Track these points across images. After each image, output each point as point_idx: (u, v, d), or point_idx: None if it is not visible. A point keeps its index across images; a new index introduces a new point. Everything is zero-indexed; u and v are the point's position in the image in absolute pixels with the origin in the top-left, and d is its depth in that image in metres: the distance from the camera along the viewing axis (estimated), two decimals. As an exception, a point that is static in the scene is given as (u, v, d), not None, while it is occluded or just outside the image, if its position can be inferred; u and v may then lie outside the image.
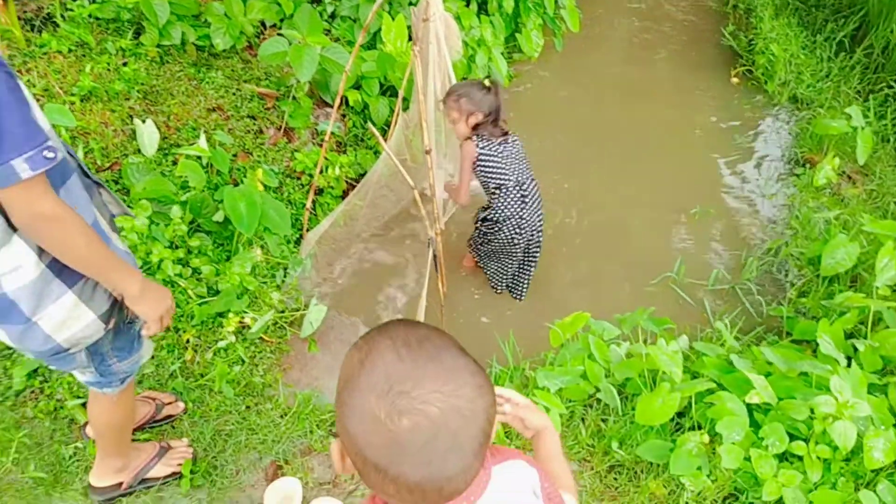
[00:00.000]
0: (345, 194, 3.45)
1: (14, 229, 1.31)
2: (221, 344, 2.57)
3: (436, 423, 0.76)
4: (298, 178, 3.40)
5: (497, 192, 2.89)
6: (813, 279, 3.26)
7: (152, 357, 2.49)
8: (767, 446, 2.12)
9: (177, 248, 2.65)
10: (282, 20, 3.76)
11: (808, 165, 4.08)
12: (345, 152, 3.67)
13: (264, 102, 3.54)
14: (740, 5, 5.57)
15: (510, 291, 3.31)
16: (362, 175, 3.33)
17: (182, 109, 3.22)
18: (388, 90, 3.83)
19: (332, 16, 4.03)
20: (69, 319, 1.45)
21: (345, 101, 3.64)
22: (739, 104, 4.70)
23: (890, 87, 4.40)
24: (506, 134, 2.87)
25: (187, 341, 2.56)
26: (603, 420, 2.48)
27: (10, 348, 2.35)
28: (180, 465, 2.15)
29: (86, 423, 2.23)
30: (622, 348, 2.58)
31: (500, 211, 2.92)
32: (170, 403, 2.35)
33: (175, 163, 2.94)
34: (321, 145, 3.16)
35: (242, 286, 2.68)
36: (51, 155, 1.23)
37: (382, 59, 3.58)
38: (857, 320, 2.67)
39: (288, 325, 2.78)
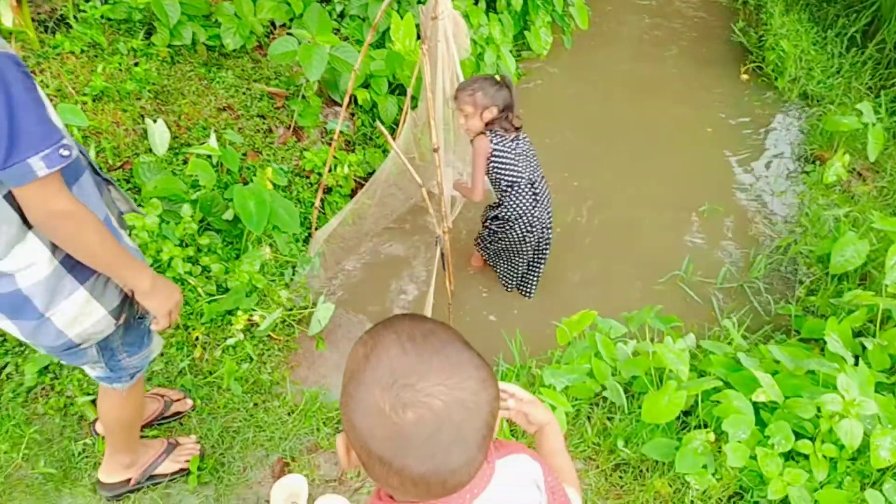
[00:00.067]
0: (353, 193, 3.47)
1: (29, 227, 1.34)
2: (230, 341, 2.59)
3: (440, 415, 0.77)
4: (307, 177, 3.42)
5: (509, 190, 2.89)
6: (822, 277, 3.25)
7: (161, 354, 2.52)
8: (773, 445, 2.12)
9: (187, 246, 2.68)
10: (291, 20, 3.78)
11: (818, 162, 4.05)
12: (353, 151, 3.68)
13: (274, 102, 3.57)
14: (750, 1, 5.53)
15: (519, 289, 3.31)
16: (371, 174, 3.34)
17: (193, 109, 3.25)
18: (397, 89, 3.84)
19: (342, 15, 4.05)
20: (81, 315, 1.48)
21: (354, 99, 3.66)
22: (749, 101, 4.67)
23: (902, 83, 4.36)
24: (518, 129, 2.86)
25: (196, 339, 2.59)
26: (609, 418, 2.48)
27: (22, 345, 2.39)
28: (188, 461, 2.18)
29: (95, 420, 2.27)
30: (629, 346, 2.58)
31: (511, 210, 2.92)
32: (178, 400, 2.37)
33: (185, 162, 2.97)
34: (330, 144, 3.18)
35: (251, 284, 2.70)
36: (66, 153, 1.25)
37: (391, 57, 3.59)
38: (865, 319, 2.65)
39: (296, 322, 2.80)
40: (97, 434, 2.24)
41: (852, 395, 2.07)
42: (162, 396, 2.34)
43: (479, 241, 3.26)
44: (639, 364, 2.46)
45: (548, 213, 3.00)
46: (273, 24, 3.88)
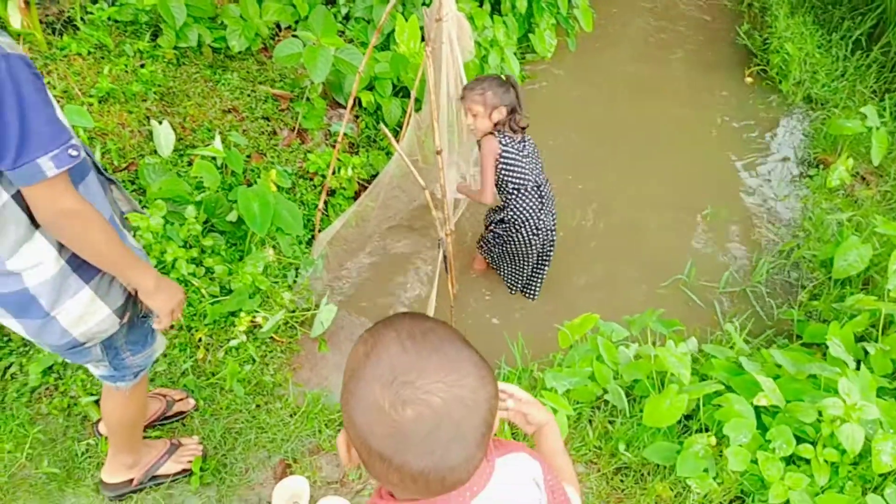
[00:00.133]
0: (357, 195, 3.48)
1: (36, 226, 1.36)
2: (233, 343, 2.60)
3: (439, 412, 0.78)
4: (311, 179, 3.43)
5: (516, 193, 2.88)
6: (825, 282, 3.24)
7: (165, 355, 2.54)
8: (774, 449, 2.12)
9: (191, 247, 2.69)
10: (297, 22, 3.80)
11: (821, 166, 4.05)
12: (357, 153, 3.70)
13: (278, 104, 3.58)
14: (755, 4, 5.53)
15: (524, 292, 3.31)
16: (374, 176, 3.36)
17: (198, 111, 3.26)
18: (401, 91, 3.85)
19: (347, 17, 4.06)
20: (86, 314, 1.50)
21: (358, 102, 3.67)
22: (754, 104, 4.67)
23: (907, 87, 4.36)
24: (523, 131, 2.86)
25: (199, 340, 2.60)
26: (610, 422, 2.48)
27: (26, 345, 2.40)
28: (190, 462, 2.19)
29: (98, 420, 2.28)
30: (631, 350, 2.58)
31: (518, 213, 2.92)
32: (180, 400, 2.39)
33: (190, 163, 2.99)
34: (334, 146, 3.19)
35: (254, 286, 2.72)
36: (75, 153, 1.27)
37: (395, 60, 3.60)
38: (868, 323, 2.65)
39: (299, 324, 2.81)
40: (100, 435, 2.26)
41: (854, 399, 2.07)
42: (164, 396, 2.35)
43: (482, 244, 3.26)
44: (640, 368, 2.46)
45: (552, 216, 3.00)
46: (278, 26, 3.90)
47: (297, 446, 2.37)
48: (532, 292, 3.27)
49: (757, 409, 2.24)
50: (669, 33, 5.41)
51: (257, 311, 2.68)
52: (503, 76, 2.82)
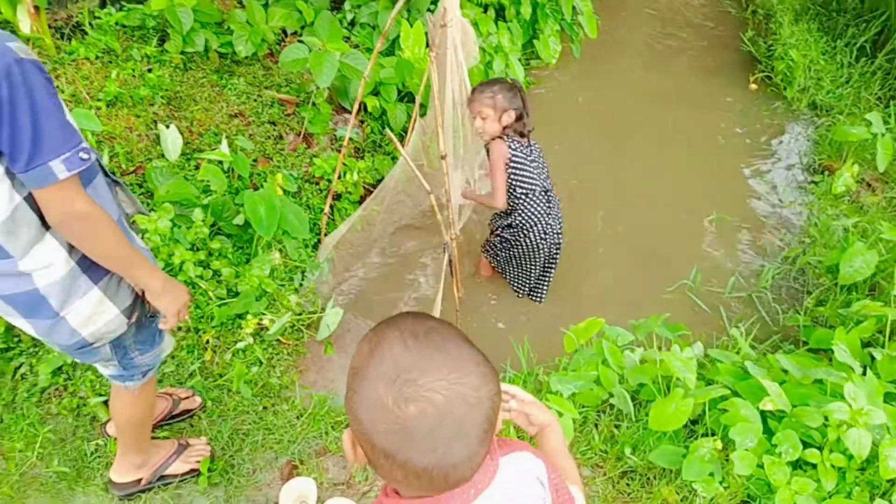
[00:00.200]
0: (362, 199, 3.49)
1: (47, 228, 1.37)
2: (240, 345, 2.61)
3: (441, 410, 0.79)
4: (317, 184, 3.45)
5: (524, 197, 2.88)
6: (831, 288, 3.25)
7: (173, 357, 2.55)
8: (781, 453, 2.12)
9: (198, 250, 2.71)
10: (303, 27, 3.82)
11: (826, 173, 4.06)
12: (363, 158, 3.71)
13: (284, 108, 3.60)
14: (760, 11, 5.55)
15: (530, 295, 3.32)
16: (380, 180, 3.37)
17: (205, 115, 3.28)
18: (406, 96, 3.87)
19: (352, 23, 4.09)
20: (95, 314, 1.51)
21: (363, 107, 3.69)
22: (758, 110, 4.68)
23: (912, 93, 4.37)
24: (528, 136, 2.87)
25: (207, 342, 2.61)
26: (616, 426, 2.49)
27: (36, 345, 2.42)
28: (198, 462, 2.19)
29: (107, 422, 2.29)
30: (636, 354, 2.59)
31: (526, 217, 2.92)
32: (186, 398, 2.40)
33: (197, 167, 3.01)
34: (339, 151, 3.21)
35: (261, 288, 2.73)
36: (86, 156, 1.29)
37: (400, 65, 3.62)
38: (874, 329, 2.65)
39: (305, 327, 2.82)
40: (108, 436, 2.27)
41: (860, 403, 2.07)
42: (170, 395, 2.37)
43: (488, 248, 3.26)
44: (646, 372, 2.46)
45: (559, 221, 3.02)
46: (284, 31, 3.92)
47: (303, 448, 2.38)
48: (539, 295, 3.28)
49: (763, 413, 2.24)
50: (674, 40, 5.43)
51: (264, 314, 2.70)
52: (509, 80, 2.83)
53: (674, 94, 4.84)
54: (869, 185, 3.92)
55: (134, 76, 3.16)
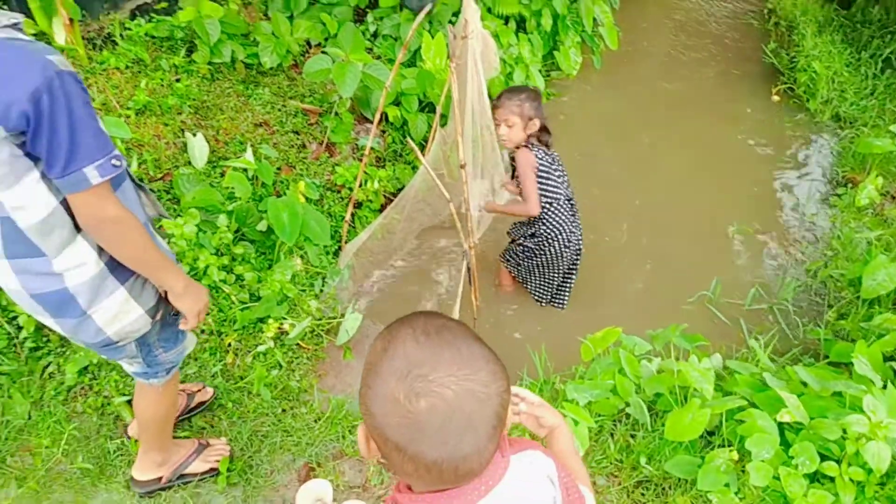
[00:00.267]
0: (383, 208, 3.54)
1: (79, 230, 1.44)
2: (261, 348, 2.66)
3: (451, 405, 0.81)
4: (339, 192, 3.50)
5: (549, 207, 2.89)
6: (853, 301, 3.21)
7: (195, 359, 2.60)
8: (797, 465, 2.10)
9: (222, 255, 2.77)
10: (326, 39, 3.90)
11: (850, 185, 4.02)
12: (384, 167, 3.76)
13: (308, 118, 3.67)
14: (782, 23, 5.53)
15: (552, 303, 3.33)
16: (400, 189, 3.41)
17: (230, 124, 3.36)
18: (427, 107, 3.92)
19: (375, 35, 4.16)
20: (120, 313, 1.57)
21: (385, 117, 3.74)
22: (781, 122, 4.65)
23: (938, 106, 4.31)
24: (551, 144, 2.89)
25: (229, 345, 2.66)
26: (632, 435, 2.48)
27: (64, 345, 2.49)
28: (218, 461, 2.24)
29: (129, 423, 2.34)
30: (653, 364, 2.59)
31: (551, 226, 2.93)
32: (199, 391, 2.45)
33: (223, 174, 3.08)
34: (361, 160, 3.26)
35: (283, 293, 2.78)
36: (118, 163, 1.36)
37: (422, 76, 3.67)
38: (896, 343, 2.62)
39: (324, 332, 2.86)
40: (129, 437, 2.32)
41: (879, 416, 2.05)
42: (183, 391, 2.41)
43: (508, 258, 3.27)
44: (663, 381, 2.46)
45: (580, 229, 3.04)
46: (308, 43, 4.00)
47: (320, 450, 2.41)
48: (561, 302, 3.29)
49: (780, 425, 2.22)
50: (695, 51, 5.43)
51: (285, 318, 2.74)
52: (532, 88, 2.86)
53: (695, 105, 4.83)
54: (893, 198, 3.88)
55: (162, 86, 3.25)
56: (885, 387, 2.27)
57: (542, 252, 3.04)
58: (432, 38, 3.73)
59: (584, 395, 2.50)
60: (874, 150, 3.82)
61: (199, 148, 3.01)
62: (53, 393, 2.41)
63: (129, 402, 2.36)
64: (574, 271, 3.19)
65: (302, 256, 3.00)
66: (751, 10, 6.03)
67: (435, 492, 0.90)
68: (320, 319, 2.88)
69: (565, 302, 3.29)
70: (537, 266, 3.14)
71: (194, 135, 3.02)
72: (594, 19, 4.84)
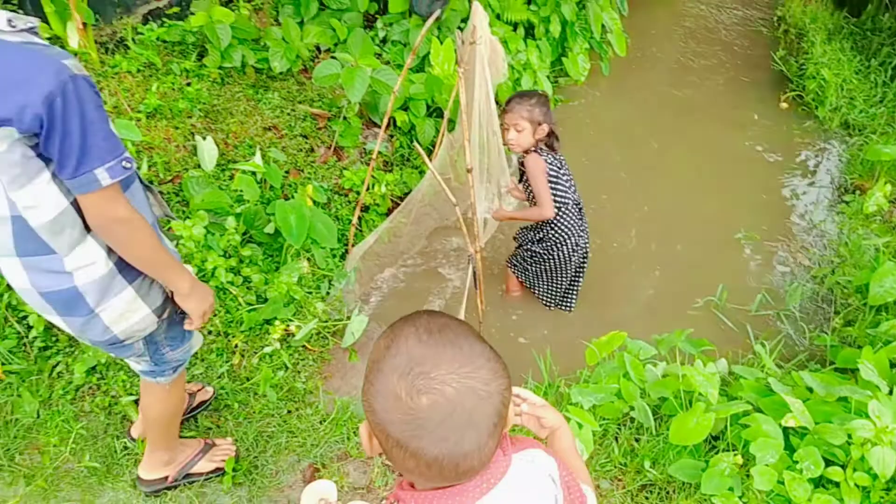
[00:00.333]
0: (390, 212, 3.56)
1: (88, 230, 1.46)
2: (267, 350, 2.68)
3: (452, 401, 0.83)
4: (346, 195, 3.53)
5: (557, 211, 2.90)
6: (860, 308, 3.20)
7: (202, 359, 2.63)
8: (802, 470, 2.09)
9: (230, 256, 2.80)
10: (336, 45, 3.93)
11: (858, 192, 4.01)
12: (391, 171, 3.79)
13: (316, 122, 3.70)
14: (791, 30, 5.52)
15: (560, 306, 3.33)
16: (407, 193, 3.43)
17: (240, 128, 3.39)
18: (435, 112, 3.94)
19: (384, 40, 4.19)
20: (127, 312, 1.59)
21: (392, 121, 3.77)
22: (789, 129, 4.65)
23: (948, 113, 4.30)
24: (559, 148, 2.90)
25: (235, 346, 2.69)
26: (636, 439, 2.48)
27: (72, 345, 2.52)
28: (223, 461, 2.25)
29: (132, 425, 2.36)
30: (658, 368, 2.59)
31: (560, 230, 2.94)
32: (199, 390, 2.47)
33: (232, 177, 3.11)
34: (369, 164, 3.28)
35: (289, 295, 2.80)
36: (128, 165, 1.39)
37: (430, 81, 3.70)
38: (903, 349, 2.60)
39: (330, 334, 2.88)
40: (133, 439, 2.34)
41: (885, 422, 2.04)
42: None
43: (515, 263, 3.28)
44: (668, 386, 2.46)
45: (587, 233, 3.05)
46: (318, 48, 4.03)
47: (325, 452, 2.43)
48: (569, 305, 3.30)
49: (785, 430, 2.22)
50: (704, 58, 5.43)
51: (291, 320, 2.76)
52: (541, 92, 2.87)
53: (703, 112, 4.84)
54: (901, 205, 3.87)
55: (173, 89, 3.29)
56: (891, 392, 2.27)
57: (550, 256, 3.04)
58: (441, 43, 3.76)
59: (589, 398, 2.50)
60: (883, 158, 3.81)
61: (208, 151, 3.04)
62: (62, 392, 2.44)
63: (137, 402, 2.38)
64: (581, 274, 3.19)
65: (309, 259, 3.03)
66: (760, 17, 6.03)
67: (437, 489, 0.90)
68: (326, 321, 2.90)
69: (573, 304, 3.29)
70: (545, 271, 3.14)
71: (204, 138, 3.06)
72: (602, 26, 4.85)
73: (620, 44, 4.92)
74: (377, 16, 4.24)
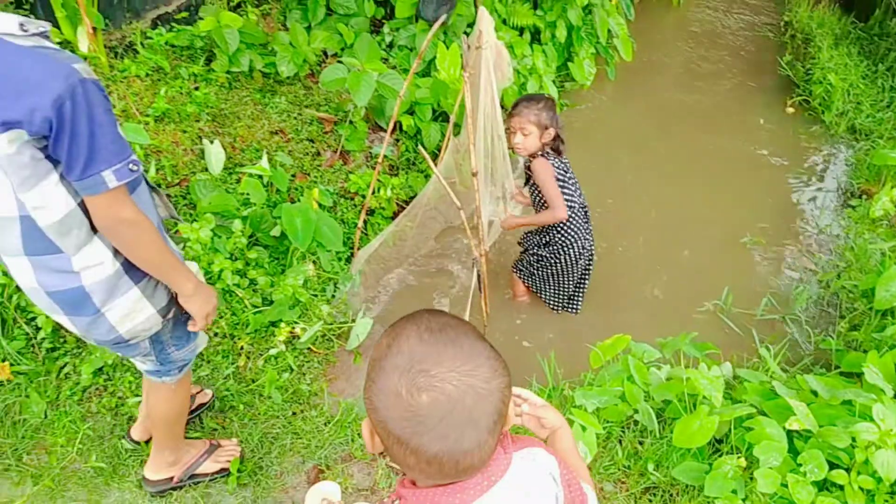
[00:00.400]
0: (395, 215, 3.57)
1: (95, 231, 1.48)
2: (272, 352, 2.70)
3: (452, 399, 0.83)
4: (352, 199, 3.55)
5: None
6: (865, 312, 3.19)
7: (208, 361, 2.65)
8: (805, 473, 2.09)
9: (236, 259, 2.82)
10: (343, 49, 3.96)
11: (864, 197, 4.00)
12: (397, 175, 3.81)
13: (323, 127, 3.73)
14: (798, 35, 5.53)
15: (566, 308, 3.34)
16: (413, 197, 3.45)
17: (247, 132, 3.42)
18: (441, 116, 3.96)
19: (390, 45, 4.22)
20: (132, 312, 1.61)
21: (398, 126, 3.79)
22: (795, 133, 4.65)
23: (955, 118, 4.29)
24: (564, 152, 2.91)
25: (241, 348, 2.70)
26: (640, 442, 2.48)
27: (80, 346, 2.54)
28: (228, 462, 2.27)
29: (131, 428, 2.37)
30: (662, 371, 2.59)
31: (566, 234, 2.95)
32: (199, 393, 2.48)
33: (238, 181, 3.14)
34: (374, 168, 3.30)
35: (295, 298, 2.81)
36: (135, 168, 1.41)
37: (436, 85, 3.72)
38: (908, 354, 2.60)
39: (335, 337, 2.90)
40: (133, 441, 2.35)
41: (889, 425, 2.04)
42: None
43: (521, 268, 3.28)
44: (671, 389, 2.46)
45: (592, 236, 3.07)
46: (325, 53, 4.06)
47: (330, 453, 2.44)
48: (575, 307, 3.30)
49: (789, 433, 2.22)
50: (710, 63, 5.44)
51: (297, 323, 2.78)
52: (547, 96, 2.89)
53: (709, 116, 4.84)
54: (908, 210, 3.85)
55: (181, 93, 3.32)
56: (895, 396, 2.26)
57: (556, 260, 3.05)
58: (447, 48, 3.78)
59: (593, 401, 2.50)
60: (889, 162, 3.80)
61: (215, 154, 3.06)
62: (69, 393, 2.46)
63: (143, 403, 2.41)
64: (587, 277, 3.20)
65: (314, 262, 3.04)
66: (767, 22, 6.03)
67: (437, 486, 0.91)
68: (331, 324, 2.91)
69: (579, 306, 3.30)
70: (552, 275, 3.15)
71: (211, 142, 3.08)
72: (609, 31, 4.86)
73: (626, 49, 4.93)
74: (384, 21, 4.27)
